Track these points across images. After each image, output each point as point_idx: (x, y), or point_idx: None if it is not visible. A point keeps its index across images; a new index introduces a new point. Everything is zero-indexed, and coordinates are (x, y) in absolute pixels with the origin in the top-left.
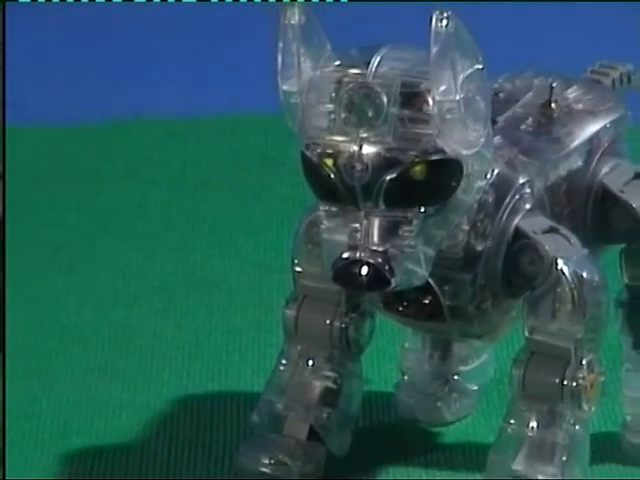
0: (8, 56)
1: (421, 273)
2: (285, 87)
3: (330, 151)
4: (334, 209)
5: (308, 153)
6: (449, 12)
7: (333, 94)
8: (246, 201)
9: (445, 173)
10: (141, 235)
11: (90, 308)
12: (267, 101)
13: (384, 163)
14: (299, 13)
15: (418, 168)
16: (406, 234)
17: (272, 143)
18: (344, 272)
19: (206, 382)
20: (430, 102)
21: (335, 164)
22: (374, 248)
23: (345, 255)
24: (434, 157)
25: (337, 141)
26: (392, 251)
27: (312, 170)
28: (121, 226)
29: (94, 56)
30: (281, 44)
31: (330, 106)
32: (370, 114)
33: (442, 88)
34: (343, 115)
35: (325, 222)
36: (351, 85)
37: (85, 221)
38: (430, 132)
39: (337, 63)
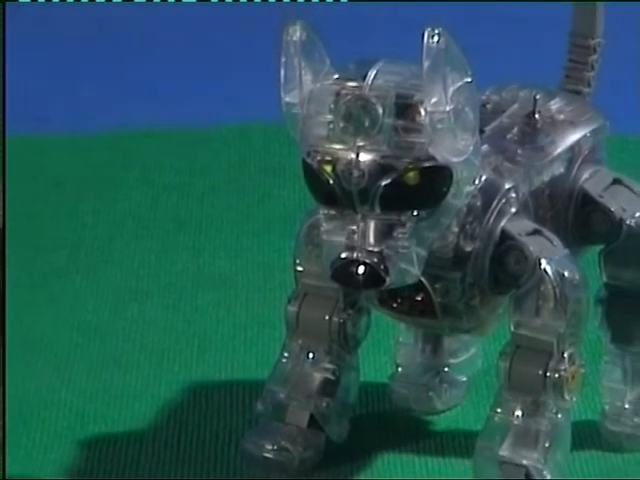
0: (27, 69)
1: (414, 272)
2: (287, 99)
3: (329, 158)
4: (333, 212)
5: (309, 160)
6: (440, 29)
7: (332, 105)
8: (251, 205)
9: (436, 179)
10: (154, 237)
11: (106, 305)
12: (271, 112)
13: (379, 170)
14: (301, 31)
15: (411, 174)
16: (400, 236)
17: (275, 151)
18: (342, 271)
19: (214, 373)
20: (422, 113)
21: (334, 170)
22: (370, 249)
23: (343, 255)
24: (426, 164)
25: (336, 149)
26: (387, 252)
27: (312, 176)
28: (135, 228)
29: (111, 69)
30: (284, 59)
31: (329, 116)
32: (366, 124)
33: (433, 100)
34: (341, 125)
35: (324, 224)
36: (349, 97)
37: (102, 224)
38: (422, 141)
39: (335, 77)
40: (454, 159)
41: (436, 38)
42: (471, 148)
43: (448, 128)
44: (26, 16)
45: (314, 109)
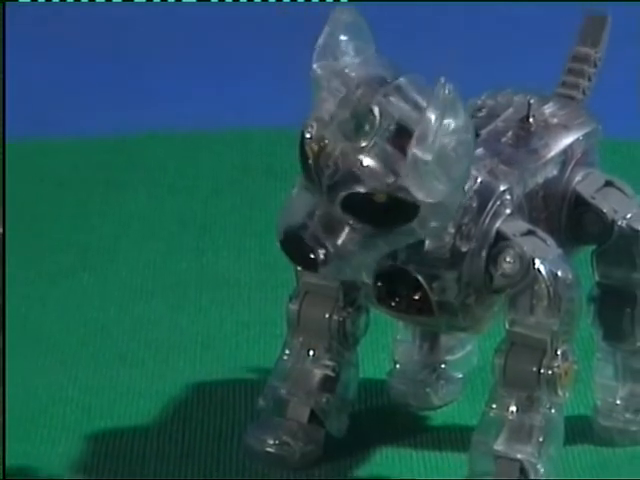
0: (34, 72)
1: (351, 274)
2: (315, 66)
3: (318, 142)
4: (307, 184)
5: (305, 130)
6: (450, 84)
7: (346, 95)
8: (253, 207)
9: (400, 210)
10: (158, 237)
11: (112, 303)
12: (273, 115)
13: (352, 179)
14: (348, 12)
15: (380, 195)
16: (350, 239)
17: (277, 154)
18: (289, 242)
19: (217, 370)
20: (410, 149)
21: (315, 155)
22: (318, 237)
23: (295, 226)
24: (397, 194)
25: (327, 137)
26: (331, 249)
27: (301, 146)
28: (140, 229)
29: (115, 72)
30: (327, 29)
31: (338, 105)
32: (361, 132)
33: (423, 142)
34: (342, 118)
35: (297, 188)
36: (359, 98)
37: (107, 225)
38: (403, 171)
39: (363, 71)
40: (426, 199)
41: (447, 90)
42: (451, 193)
43: (431, 172)
44: (31, 17)
45: (335, 87)
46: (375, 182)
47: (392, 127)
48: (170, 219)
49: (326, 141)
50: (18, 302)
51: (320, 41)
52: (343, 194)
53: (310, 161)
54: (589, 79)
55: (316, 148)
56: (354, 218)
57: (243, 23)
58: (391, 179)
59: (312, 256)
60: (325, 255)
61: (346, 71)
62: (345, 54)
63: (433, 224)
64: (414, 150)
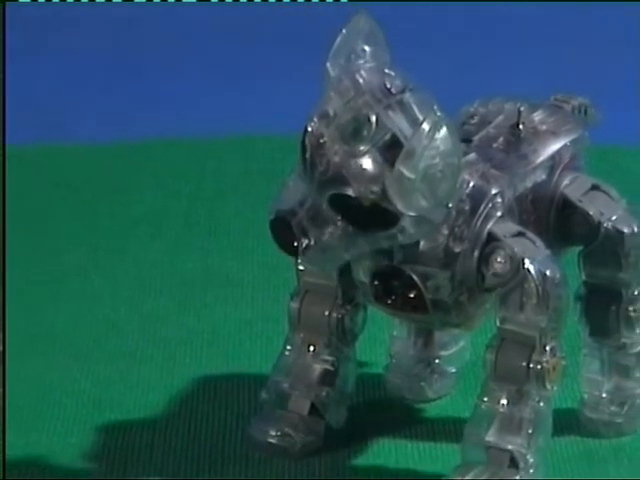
0: (51, 79)
1: (328, 267)
2: (329, 64)
3: (317, 137)
4: (302, 174)
5: (307, 125)
6: (442, 117)
7: (351, 99)
8: (256, 210)
9: (381, 217)
10: (166, 238)
11: (122, 301)
12: (275, 123)
13: (341, 180)
14: (366, 20)
15: (365, 201)
16: (333, 235)
17: (277, 160)
18: (277, 225)
19: (221, 365)
20: (398, 164)
21: (313, 150)
22: (304, 227)
23: (285, 210)
24: (381, 203)
25: (326, 135)
26: (314, 239)
27: (302, 138)
28: (148, 231)
29: (126, 82)
30: (345, 32)
31: (341, 107)
32: (357, 137)
33: (407, 161)
34: (342, 120)
35: (293, 175)
36: (362, 105)
37: (117, 226)
38: (389, 182)
39: (373, 78)
40: (407, 212)
41: (438, 113)
42: (429, 209)
43: (412, 187)
44: (44, 23)
45: (344, 88)
46: (361, 187)
47: (386, 138)
48: (176, 221)
49: (325, 138)
50: (32, 300)
51: (337, 42)
52: (331, 192)
53: (307, 154)
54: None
55: (314, 143)
56: (339, 216)
57: (249, 30)
58: (377, 187)
59: (295, 244)
60: (307, 246)
61: (357, 75)
62: (359, 58)
63: (414, 233)
64: (399, 167)
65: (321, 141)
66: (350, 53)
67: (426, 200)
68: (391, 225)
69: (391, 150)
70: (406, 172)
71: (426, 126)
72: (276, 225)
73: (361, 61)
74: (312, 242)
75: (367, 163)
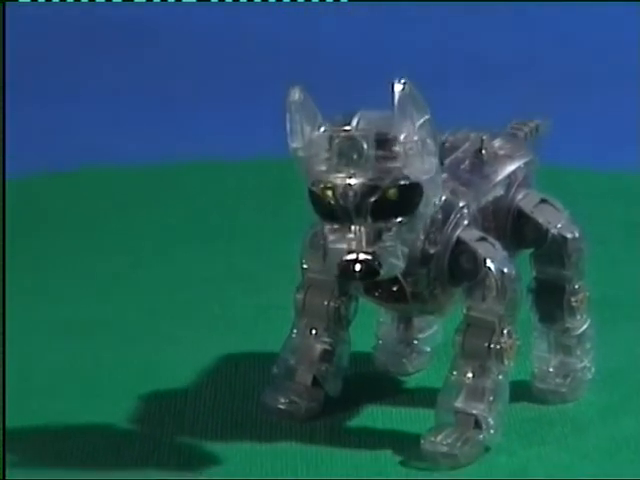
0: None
1: (400, 265)
2: (293, 145)
3: (329, 185)
4: (335, 226)
5: (314, 188)
6: (405, 79)
7: (327, 146)
8: (267, 219)
9: (411, 193)
10: (195, 243)
11: (163, 293)
12: (283, 147)
13: (368, 190)
14: (299, 93)
15: (391, 191)
16: (387, 238)
17: (287, 180)
18: (346, 269)
19: (240, 345)
20: (397, 144)
21: (334, 194)
22: (365, 250)
23: (346, 258)
24: (402, 182)
25: (334, 178)
26: (379, 251)
27: (317, 200)
28: (180, 237)
29: (139, 108)
30: (288, 115)
31: (326, 155)
32: (355, 157)
33: (404, 134)
34: (336, 160)
35: (330, 236)
36: (340, 138)
37: (156, 233)
38: (398, 165)
39: (327, 126)
40: (423, 177)
41: (403, 87)
42: (434, 169)
43: (417, 154)
44: (76, 45)
45: (314, 151)
46: (383, 183)
47: (374, 139)
48: (203, 229)
49: (336, 181)
50: (89, 294)
51: (287, 127)
52: (369, 206)
53: (332, 202)
54: (530, 131)
55: (330, 192)
56: (383, 220)
57: (259, 51)
58: (392, 174)
59: (368, 266)
60: (378, 260)
61: (314, 137)
62: (305, 128)
63: (434, 199)
64: (401, 141)
65: (334, 184)
66: (299, 127)
67: (428, 162)
68: (419, 197)
69: (384, 143)
70: (408, 140)
71: (400, 104)
72: (346, 269)
73: (307, 127)
74: (379, 254)
75: (376, 165)
